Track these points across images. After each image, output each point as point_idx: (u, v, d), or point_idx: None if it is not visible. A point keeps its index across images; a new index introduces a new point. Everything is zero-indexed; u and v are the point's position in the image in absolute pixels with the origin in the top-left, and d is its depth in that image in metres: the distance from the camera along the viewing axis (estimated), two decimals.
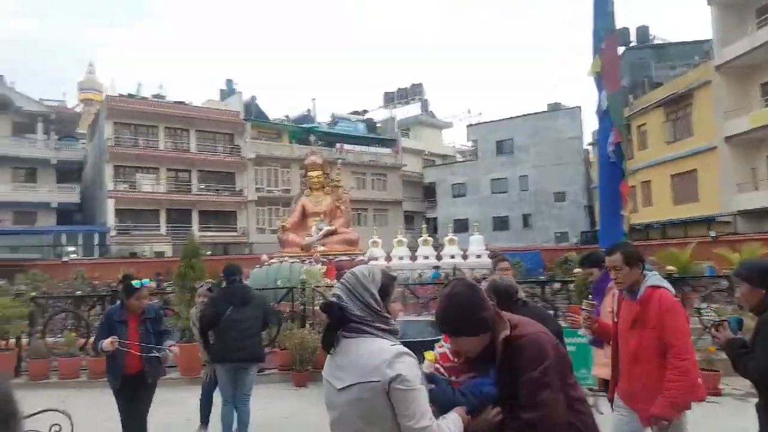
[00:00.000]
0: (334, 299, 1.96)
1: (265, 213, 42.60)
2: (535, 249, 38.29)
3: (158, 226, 38.74)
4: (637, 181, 35.42)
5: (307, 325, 8.33)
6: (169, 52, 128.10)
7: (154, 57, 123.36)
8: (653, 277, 3.22)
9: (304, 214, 17.07)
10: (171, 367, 7.27)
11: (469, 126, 48.61)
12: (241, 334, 5.24)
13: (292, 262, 10.73)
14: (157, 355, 4.55)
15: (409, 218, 49.14)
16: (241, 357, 5.28)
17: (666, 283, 3.23)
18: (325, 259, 15.22)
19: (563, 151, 42.60)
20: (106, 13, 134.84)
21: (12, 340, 8.29)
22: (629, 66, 38.86)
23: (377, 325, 1.91)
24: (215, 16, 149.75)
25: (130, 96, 41.31)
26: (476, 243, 32.23)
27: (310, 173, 17.09)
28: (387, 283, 1.99)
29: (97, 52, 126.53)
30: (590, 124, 44.51)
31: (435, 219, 46.97)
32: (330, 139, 46.16)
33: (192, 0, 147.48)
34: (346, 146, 46.45)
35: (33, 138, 38.35)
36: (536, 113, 45.38)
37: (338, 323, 1.91)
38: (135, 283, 4.59)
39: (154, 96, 44.33)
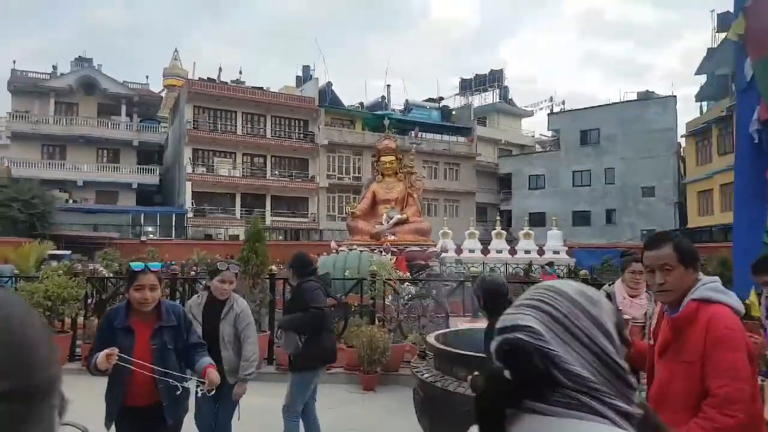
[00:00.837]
0: (521, 336, 0.87)
1: (335, 200, 42.37)
2: (620, 247, 35.82)
3: (233, 210, 39.32)
4: None
5: (377, 322, 7.45)
6: (251, 39, 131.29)
7: (237, 43, 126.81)
8: (704, 287, 2.16)
9: (375, 201, 16.23)
10: None
11: (551, 114, 46.21)
12: (333, 331, 4.63)
13: (361, 251, 9.84)
14: (177, 384, 3.07)
15: (482, 210, 47.47)
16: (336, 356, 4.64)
17: (728, 296, 2.16)
18: (395, 249, 14.33)
19: (654, 143, 39.57)
20: (194, 2, 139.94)
21: (68, 321, 7.91)
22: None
23: (614, 402, 0.84)
24: (295, 3, 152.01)
25: (210, 81, 42.06)
26: (554, 238, 30.52)
27: (382, 158, 16.19)
28: (620, 322, 0.94)
29: (183, 39, 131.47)
30: (684, 115, 41.01)
31: (509, 212, 45.07)
32: (403, 126, 45.15)
33: None
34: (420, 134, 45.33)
35: (117, 120, 39.71)
36: (625, 102, 42.44)
37: (526, 388, 0.84)
38: (135, 265, 3.13)
39: (233, 81, 44.99)
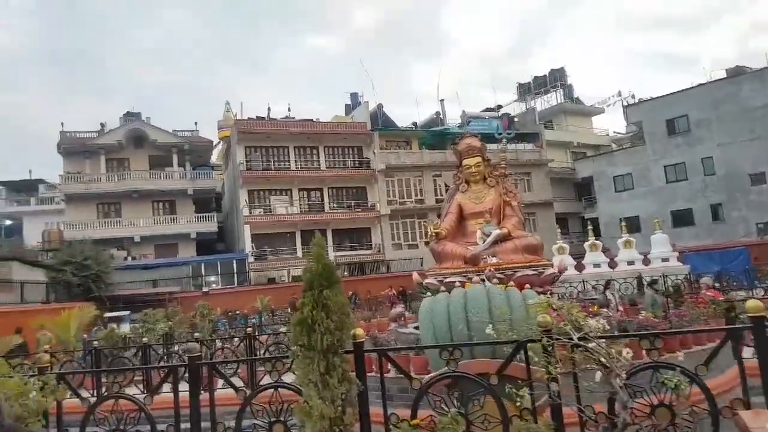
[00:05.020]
0: None
1: (398, 227, 39.45)
2: (735, 246, 30.84)
3: (294, 249, 37.04)
4: None
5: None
6: (295, 85, 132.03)
7: (281, 90, 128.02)
8: None
9: (461, 216, 12.95)
10: None
11: (628, 107, 41.73)
12: None
13: (491, 284, 6.42)
14: None
15: (561, 221, 43.14)
16: None
17: None
18: (501, 275, 11.00)
19: (755, 122, 34.56)
20: (231, 60, 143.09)
21: None
22: None
23: None
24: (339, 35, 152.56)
25: (259, 119, 40.46)
26: (660, 243, 26.31)
27: (465, 161, 12.93)
28: None
29: (230, 95, 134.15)
30: None
31: (595, 219, 40.61)
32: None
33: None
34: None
35: (170, 170, 38.48)
36: (714, 82, 37.62)
37: None
38: None
39: (283, 118, 43.33)
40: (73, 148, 37.13)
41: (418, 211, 39.36)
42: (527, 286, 9.48)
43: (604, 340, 3.73)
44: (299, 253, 36.66)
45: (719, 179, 35.79)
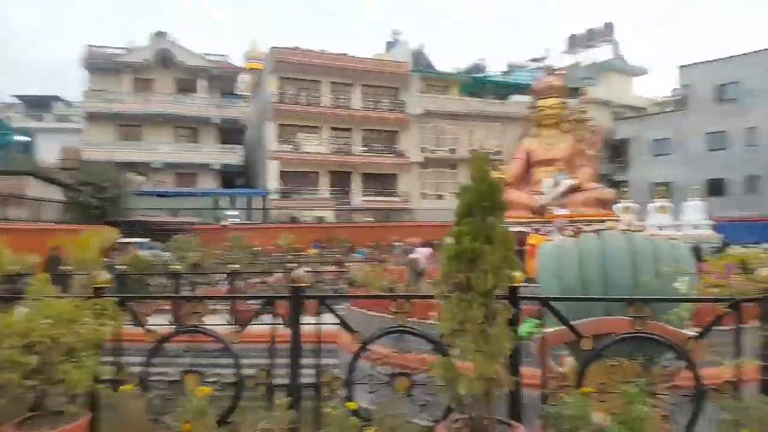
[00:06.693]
0: None
1: (429, 176, 38.35)
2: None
3: (318, 190, 36.16)
4: None
5: None
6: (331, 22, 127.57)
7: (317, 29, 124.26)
8: None
9: (529, 163, 11.96)
10: None
11: (683, 67, 39.30)
12: None
13: (627, 233, 5.43)
14: None
15: None
16: None
17: None
18: (572, 227, 10.10)
19: None
20: None
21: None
22: None
23: None
24: None
25: (295, 48, 38.57)
26: (694, 211, 25.39)
27: (542, 102, 11.82)
28: None
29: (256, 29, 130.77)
30: None
31: (624, 182, 39.34)
32: (504, 91, 40.31)
33: None
34: (517, 98, 39.57)
35: (195, 96, 37.08)
36: None
37: None
38: None
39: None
40: (99, 64, 35.54)
41: (451, 162, 38.20)
42: None
43: None
44: (324, 195, 35.88)
45: (761, 150, 34.37)
